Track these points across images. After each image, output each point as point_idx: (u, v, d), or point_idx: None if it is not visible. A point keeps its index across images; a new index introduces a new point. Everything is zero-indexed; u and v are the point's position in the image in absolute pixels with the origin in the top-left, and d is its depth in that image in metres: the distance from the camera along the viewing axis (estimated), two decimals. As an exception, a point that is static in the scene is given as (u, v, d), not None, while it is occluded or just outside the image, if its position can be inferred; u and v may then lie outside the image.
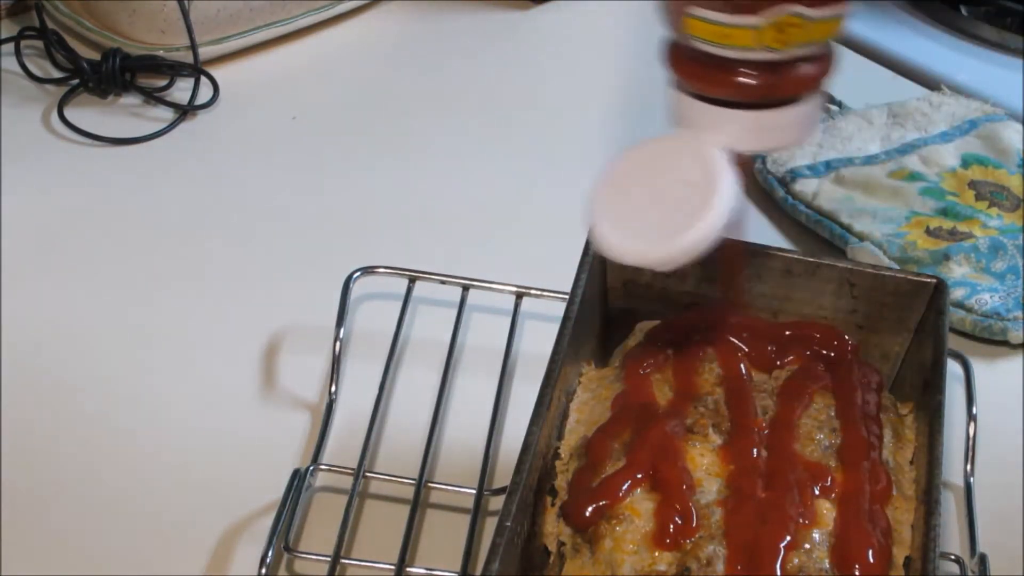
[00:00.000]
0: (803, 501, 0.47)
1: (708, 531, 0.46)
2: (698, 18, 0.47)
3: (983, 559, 0.56)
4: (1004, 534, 0.59)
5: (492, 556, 0.45)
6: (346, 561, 0.55)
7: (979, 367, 0.64)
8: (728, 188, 0.48)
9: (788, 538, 0.46)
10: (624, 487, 0.48)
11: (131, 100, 0.85)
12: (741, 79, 0.47)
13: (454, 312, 0.66)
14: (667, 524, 0.47)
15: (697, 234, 0.47)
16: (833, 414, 0.51)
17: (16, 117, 0.83)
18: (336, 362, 0.63)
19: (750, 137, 0.49)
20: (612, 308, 0.60)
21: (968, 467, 0.60)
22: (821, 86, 0.49)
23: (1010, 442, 0.64)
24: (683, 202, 0.48)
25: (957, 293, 0.69)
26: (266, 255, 0.74)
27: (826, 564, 0.46)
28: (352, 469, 0.58)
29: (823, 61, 0.49)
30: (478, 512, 0.57)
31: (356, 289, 0.67)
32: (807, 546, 0.46)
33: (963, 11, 0.97)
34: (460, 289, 0.67)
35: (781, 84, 0.48)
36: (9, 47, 0.86)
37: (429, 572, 0.55)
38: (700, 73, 0.48)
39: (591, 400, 0.54)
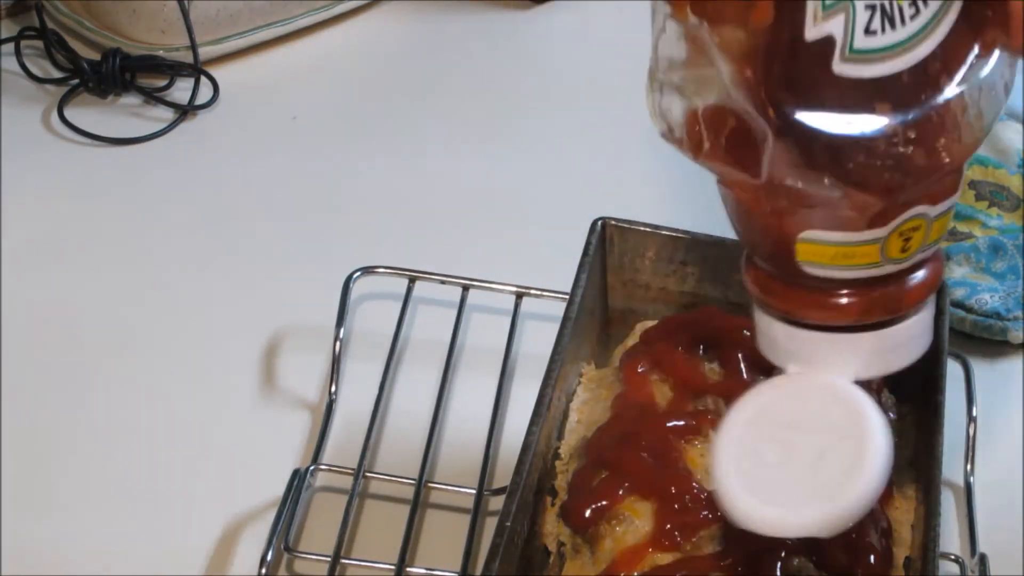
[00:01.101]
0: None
1: (708, 532, 0.46)
2: (814, 241, 0.40)
3: (983, 559, 0.56)
4: (1004, 534, 0.59)
5: (492, 556, 0.45)
6: (346, 561, 0.55)
7: (979, 367, 0.63)
8: (883, 429, 0.41)
9: (788, 539, 0.46)
10: (623, 489, 0.48)
11: (131, 100, 0.85)
12: (861, 299, 0.41)
13: (454, 312, 0.66)
14: (667, 525, 0.47)
15: (862, 489, 0.40)
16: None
17: (16, 117, 0.82)
18: (336, 362, 0.63)
19: (876, 360, 0.43)
20: (612, 308, 0.60)
21: (968, 467, 0.60)
22: (936, 287, 0.43)
23: (1010, 442, 0.64)
24: (831, 453, 0.41)
25: (957, 293, 0.69)
26: (266, 255, 0.74)
27: (826, 565, 0.46)
28: (352, 469, 0.58)
29: (936, 261, 0.43)
30: (478, 512, 0.57)
31: (356, 289, 0.67)
32: (807, 546, 0.46)
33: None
34: (460, 289, 0.67)
35: (905, 297, 0.42)
36: (9, 47, 0.86)
37: (429, 572, 0.55)
38: (807, 299, 0.42)
39: (591, 400, 0.54)
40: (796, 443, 0.42)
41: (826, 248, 0.40)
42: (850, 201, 0.39)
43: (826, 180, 0.38)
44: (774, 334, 0.43)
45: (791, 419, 0.42)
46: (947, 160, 0.39)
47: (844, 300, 0.41)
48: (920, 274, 0.42)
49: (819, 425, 0.42)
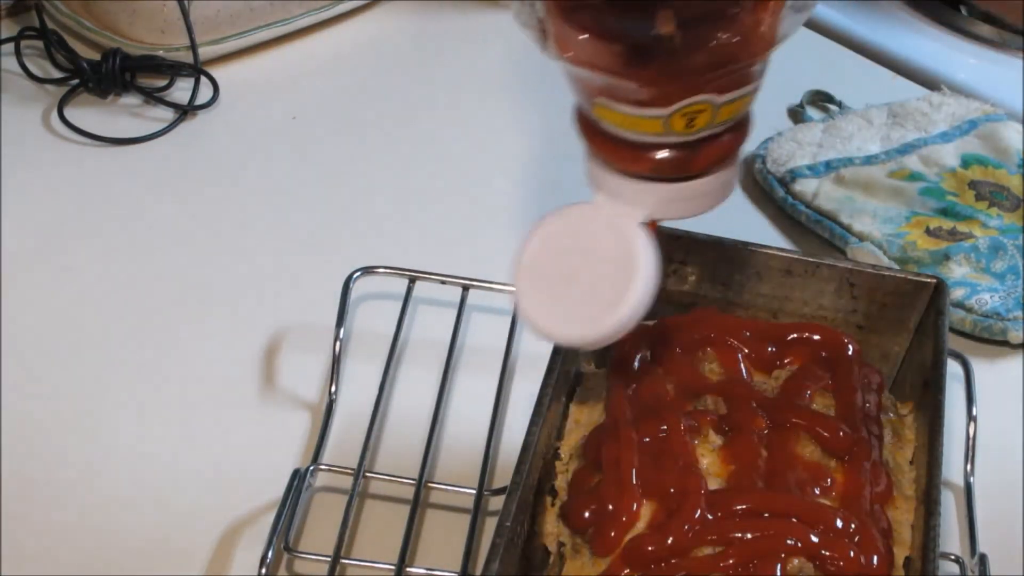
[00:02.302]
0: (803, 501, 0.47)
1: (708, 531, 0.46)
2: (607, 107, 0.46)
3: (983, 559, 0.56)
4: (1004, 534, 0.59)
5: (492, 556, 0.45)
6: (346, 561, 0.55)
7: (979, 367, 0.63)
8: (649, 266, 0.47)
9: (788, 538, 0.46)
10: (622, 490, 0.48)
11: (131, 100, 0.85)
12: (653, 156, 0.47)
13: (454, 312, 0.66)
14: (666, 525, 0.47)
15: (621, 315, 0.46)
16: (833, 414, 0.51)
17: (16, 117, 0.82)
18: (336, 362, 0.63)
19: (668, 208, 0.48)
20: (612, 308, 0.60)
21: (968, 467, 0.60)
22: (736, 155, 0.49)
23: (1010, 442, 0.64)
24: (605, 280, 0.47)
25: (957, 293, 0.69)
26: (266, 255, 0.74)
27: (827, 565, 0.46)
28: (352, 469, 0.58)
29: (736, 133, 0.48)
30: (478, 512, 0.57)
31: (356, 289, 0.67)
32: (807, 546, 0.46)
33: (963, 11, 0.97)
34: (460, 289, 0.67)
35: (694, 161, 0.47)
36: (9, 47, 0.86)
37: (429, 572, 0.55)
38: (612, 149, 0.47)
39: (591, 400, 0.54)
40: (580, 266, 0.48)
41: (616, 114, 0.46)
42: (629, 85, 0.44)
43: (608, 65, 0.44)
44: (592, 169, 0.49)
45: (581, 243, 0.48)
46: (727, 61, 0.44)
47: (638, 156, 0.47)
48: (714, 143, 0.47)
49: (602, 251, 0.48)
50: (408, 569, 0.55)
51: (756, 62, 0.45)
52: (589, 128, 0.48)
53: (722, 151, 0.47)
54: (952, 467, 0.60)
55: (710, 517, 0.46)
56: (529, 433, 0.49)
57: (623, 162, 0.48)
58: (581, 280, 0.48)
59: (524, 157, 0.83)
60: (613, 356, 0.55)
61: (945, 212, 0.75)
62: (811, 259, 0.57)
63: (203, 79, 0.85)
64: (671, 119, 0.45)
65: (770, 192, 0.78)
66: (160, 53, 0.85)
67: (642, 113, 0.45)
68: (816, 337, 0.55)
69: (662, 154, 0.46)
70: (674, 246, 0.58)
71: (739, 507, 0.47)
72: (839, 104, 0.85)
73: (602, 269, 0.47)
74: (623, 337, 0.56)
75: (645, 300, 0.47)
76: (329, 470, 0.59)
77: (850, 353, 0.54)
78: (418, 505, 0.57)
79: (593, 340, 0.47)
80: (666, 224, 0.59)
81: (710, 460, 0.49)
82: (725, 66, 0.44)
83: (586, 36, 0.44)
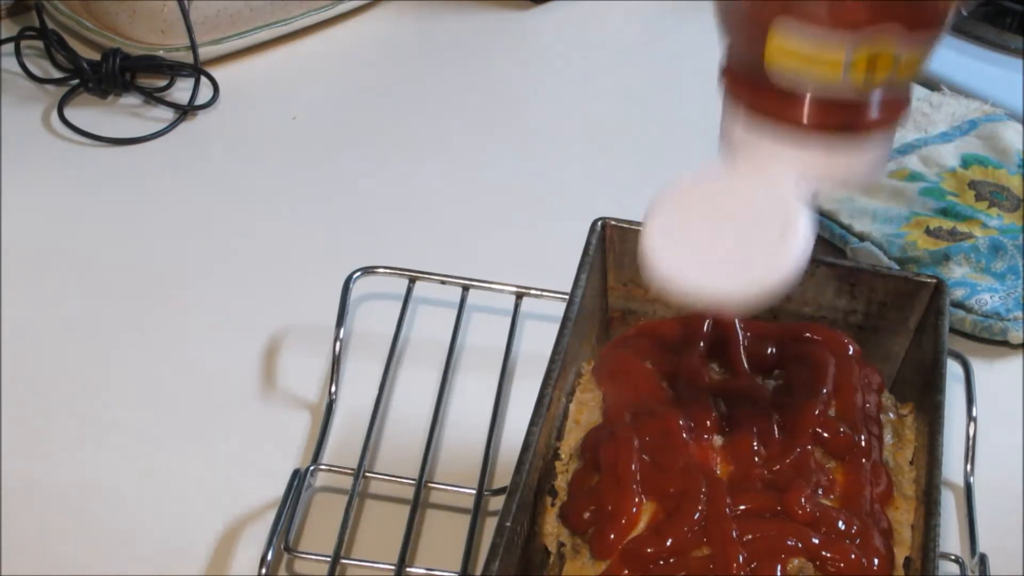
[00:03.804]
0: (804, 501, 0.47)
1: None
2: (784, 37, 0.42)
3: (983, 559, 0.56)
4: (1004, 534, 0.59)
5: (492, 556, 0.45)
6: (346, 561, 0.55)
7: (979, 367, 0.64)
8: (807, 225, 0.44)
9: (789, 539, 0.46)
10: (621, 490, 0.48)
11: (131, 100, 0.85)
12: (821, 110, 0.43)
13: (454, 312, 0.66)
14: (665, 525, 0.47)
15: (780, 271, 0.43)
16: (833, 415, 0.51)
17: (16, 117, 0.83)
18: (336, 362, 0.63)
19: (820, 171, 0.45)
20: (612, 308, 0.60)
21: (968, 467, 0.60)
22: (896, 127, 0.46)
23: (1010, 442, 0.64)
24: (758, 238, 0.44)
25: (957, 293, 0.69)
26: (266, 255, 0.74)
27: (828, 566, 0.46)
28: (352, 469, 0.58)
29: (898, 104, 0.45)
30: (478, 512, 0.57)
31: (356, 289, 0.67)
32: (807, 547, 0.46)
33: (963, 11, 0.97)
34: (460, 289, 0.67)
35: (862, 115, 0.44)
36: (9, 47, 0.86)
37: (429, 572, 0.55)
38: (774, 101, 0.44)
39: (591, 400, 0.54)
40: (728, 224, 0.44)
41: (794, 50, 0.42)
42: None
43: None
44: (733, 130, 0.46)
45: (727, 204, 0.45)
46: None
47: (807, 107, 0.43)
48: (881, 107, 0.44)
49: (753, 213, 0.44)
50: (408, 569, 0.55)
51: None
52: (742, 81, 0.45)
53: (890, 115, 0.45)
54: (952, 467, 0.60)
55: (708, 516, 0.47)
56: (529, 433, 0.49)
57: (787, 113, 0.44)
58: (727, 239, 0.44)
59: (524, 157, 0.83)
60: (610, 356, 0.55)
61: (945, 212, 0.75)
62: (811, 259, 0.57)
63: (203, 79, 0.85)
64: (854, 63, 0.42)
65: (770, 192, 0.78)
66: (160, 53, 0.85)
67: (828, 40, 0.41)
68: (816, 337, 0.55)
69: (831, 106, 0.43)
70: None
71: (739, 508, 0.47)
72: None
73: (753, 228, 0.44)
74: (622, 337, 0.56)
75: (803, 258, 0.43)
76: (329, 470, 0.59)
77: (850, 353, 0.54)
78: (418, 505, 0.57)
79: (743, 296, 0.44)
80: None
81: (710, 460, 0.49)
82: None
83: None
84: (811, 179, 0.45)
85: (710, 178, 0.46)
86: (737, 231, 0.44)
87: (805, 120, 0.44)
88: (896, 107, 0.45)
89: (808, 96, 0.43)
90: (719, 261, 0.44)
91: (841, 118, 0.44)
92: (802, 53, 0.42)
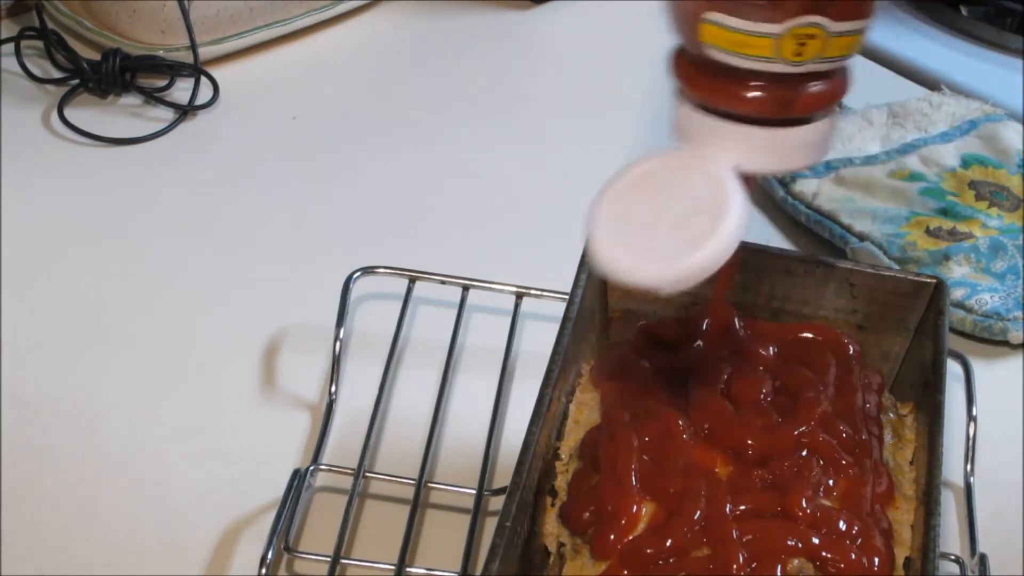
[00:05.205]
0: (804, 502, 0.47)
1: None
2: (715, 24, 0.44)
3: (983, 559, 0.56)
4: (1004, 534, 0.59)
5: (492, 556, 0.45)
6: (346, 561, 0.55)
7: (979, 367, 0.64)
8: (739, 209, 0.45)
9: (789, 539, 0.46)
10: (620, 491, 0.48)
11: (131, 100, 0.85)
12: (755, 92, 0.45)
13: (454, 312, 0.66)
14: (665, 525, 0.47)
15: (707, 255, 0.44)
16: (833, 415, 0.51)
17: (16, 117, 0.83)
18: (336, 362, 0.63)
19: (761, 157, 0.46)
20: (612, 308, 0.60)
21: (968, 467, 0.60)
22: (835, 106, 0.47)
23: (1010, 442, 0.64)
24: (691, 222, 0.45)
25: (957, 293, 0.69)
26: (266, 255, 0.74)
27: (828, 567, 0.46)
28: (352, 469, 0.58)
29: (839, 80, 0.46)
30: (478, 512, 0.57)
31: (356, 289, 0.67)
32: (808, 547, 0.46)
33: (963, 11, 0.97)
34: (460, 289, 0.67)
35: (796, 100, 0.45)
36: (9, 47, 0.86)
37: (429, 572, 0.55)
38: (711, 84, 0.45)
39: (591, 400, 0.54)
40: (667, 207, 0.45)
41: (723, 32, 0.43)
42: None
43: None
44: (681, 118, 0.47)
45: (667, 187, 0.46)
46: None
47: (742, 90, 0.45)
48: (818, 85, 0.45)
49: (690, 195, 0.45)
50: (408, 569, 0.55)
51: None
52: (686, 65, 0.46)
53: (824, 96, 0.45)
54: (952, 467, 0.60)
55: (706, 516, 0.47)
56: (529, 433, 0.49)
57: (719, 95, 0.45)
58: (665, 222, 0.45)
59: (524, 157, 0.83)
60: (610, 356, 0.55)
61: (945, 212, 0.75)
62: (811, 259, 0.57)
63: (203, 79, 0.85)
64: (781, 41, 0.43)
65: (770, 192, 0.78)
66: (160, 53, 0.85)
67: (755, 28, 0.43)
68: (816, 337, 0.55)
69: (764, 88, 0.45)
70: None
71: (739, 508, 0.47)
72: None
73: (688, 211, 0.45)
74: (620, 338, 0.56)
75: (732, 242, 0.44)
76: (329, 470, 0.59)
77: (850, 353, 0.54)
78: (418, 505, 0.57)
79: (672, 279, 0.45)
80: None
81: (710, 460, 0.49)
82: None
83: None
84: (752, 161, 0.46)
85: (656, 163, 0.47)
86: (674, 214, 0.45)
87: (743, 99, 0.45)
88: (835, 87, 0.46)
89: (744, 76, 0.44)
90: (655, 244, 0.45)
91: (777, 96, 0.45)
92: (733, 36, 0.44)
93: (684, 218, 0.45)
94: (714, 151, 0.46)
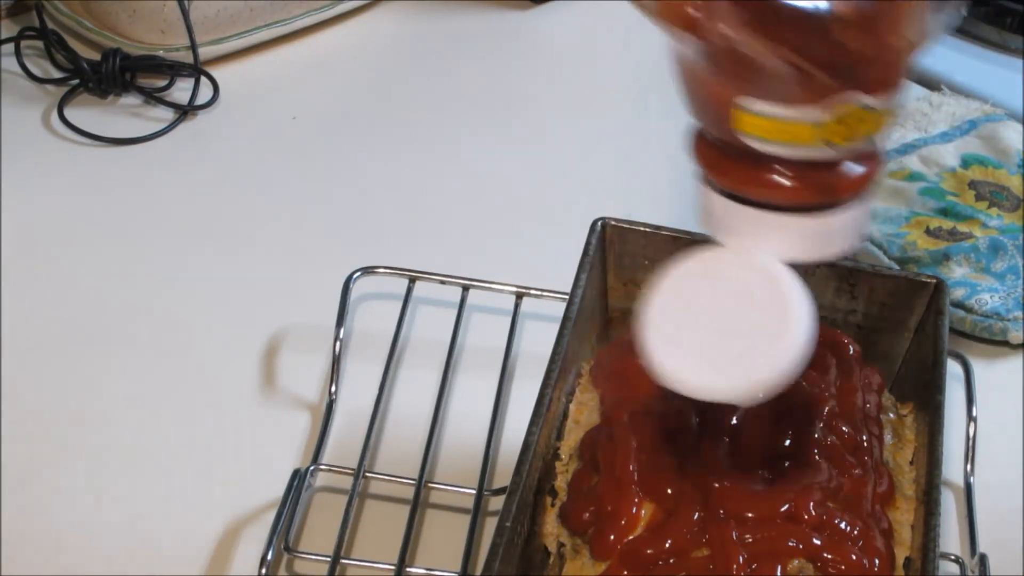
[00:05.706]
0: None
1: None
2: (751, 112, 0.40)
3: (983, 559, 0.56)
4: (1004, 534, 0.59)
5: (492, 556, 0.45)
6: (346, 561, 0.55)
7: (979, 367, 0.63)
8: (804, 307, 0.42)
9: (789, 540, 0.46)
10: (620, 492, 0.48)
11: (131, 100, 0.85)
12: (793, 181, 0.41)
13: (454, 312, 0.66)
14: (667, 526, 0.47)
15: (782, 364, 0.41)
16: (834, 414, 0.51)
17: (16, 117, 0.82)
18: (336, 362, 0.63)
19: (802, 245, 0.43)
20: (612, 308, 0.60)
21: (968, 467, 0.60)
22: (873, 185, 0.44)
23: (1010, 442, 0.64)
24: (755, 325, 0.42)
25: (957, 293, 0.69)
26: (266, 255, 0.74)
27: (828, 568, 0.46)
28: (352, 469, 0.58)
29: (874, 158, 0.43)
30: (478, 512, 0.57)
31: (356, 289, 0.67)
32: (808, 548, 0.46)
33: (962, 11, 0.97)
34: (460, 289, 0.67)
35: (839, 186, 0.42)
36: (9, 47, 0.86)
37: (429, 572, 0.55)
38: (742, 173, 0.42)
39: (591, 400, 0.54)
40: (722, 311, 0.43)
41: (760, 120, 0.40)
42: (791, 72, 0.39)
43: (772, 46, 0.38)
44: (712, 207, 0.44)
45: (717, 287, 0.43)
46: (892, 47, 0.40)
47: (780, 178, 0.42)
48: (857, 167, 0.42)
49: (745, 295, 0.43)
50: (408, 569, 0.55)
51: (911, 52, 0.41)
52: (708, 150, 0.43)
53: (866, 178, 0.43)
54: (952, 467, 0.60)
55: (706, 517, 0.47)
56: (529, 433, 0.49)
57: (755, 186, 0.42)
58: (725, 326, 0.43)
59: (524, 157, 0.82)
60: (610, 356, 0.55)
61: (945, 212, 0.75)
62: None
63: (203, 79, 0.85)
64: (826, 125, 0.40)
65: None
66: (160, 53, 0.85)
67: (797, 115, 0.40)
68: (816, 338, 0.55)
69: (803, 176, 0.41)
70: (674, 246, 0.58)
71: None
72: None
73: (748, 313, 0.42)
74: (620, 338, 0.56)
75: (805, 346, 0.41)
76: (329, 470, 0.59)
77: (850, 353, 0.54)
78: (418, 505, 0.57)
79: (746, 392, 0.42)
80: (666, 225, 0.59)
81: (710, 460, 0.49)
82: (887, 51, 0.40)
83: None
84: (792, 250, 0.43)
85: (698, 260, 0.44)
86: (735, 320, 0.43)
87: (781, 188, 0.42)
88: (874, 165, 0.43)
89: (783, 164, 0.41)
90: (720, 356, 0.43)
91: (818, 183, 0.42)
92: (772, 124, 0.40)
93: (746, 321, 0.42)
94: (755, 243, 0.43)
